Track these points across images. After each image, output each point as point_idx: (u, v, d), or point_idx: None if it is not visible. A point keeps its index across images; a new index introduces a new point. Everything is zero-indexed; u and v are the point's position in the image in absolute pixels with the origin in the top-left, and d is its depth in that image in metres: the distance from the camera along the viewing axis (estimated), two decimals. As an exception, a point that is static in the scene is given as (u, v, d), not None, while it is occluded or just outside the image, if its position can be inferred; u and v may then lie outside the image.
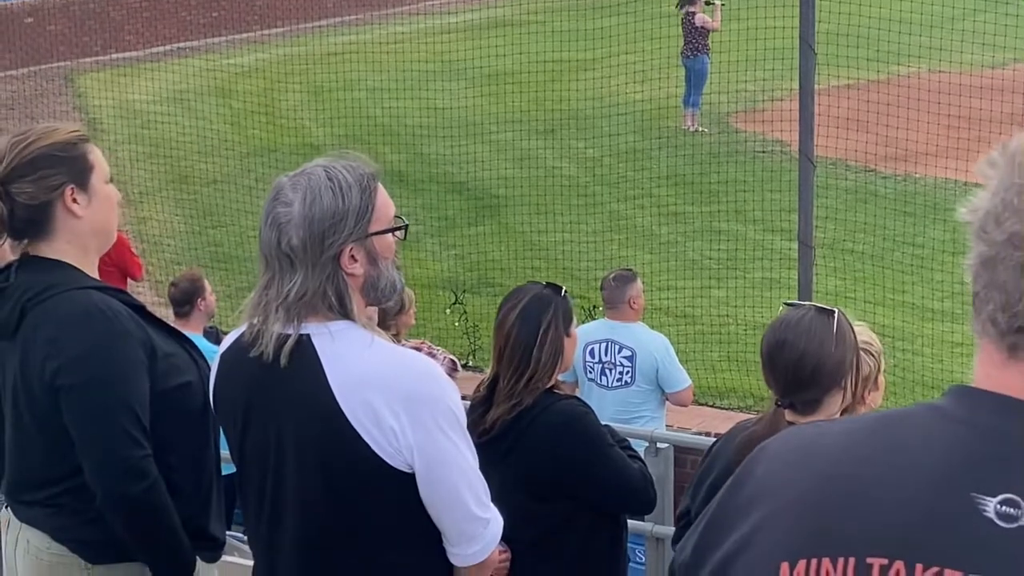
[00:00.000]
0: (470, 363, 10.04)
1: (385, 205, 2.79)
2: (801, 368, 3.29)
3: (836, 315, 3.35)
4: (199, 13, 24.17)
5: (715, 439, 7.30)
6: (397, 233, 2.82)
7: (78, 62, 22.06)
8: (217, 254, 13.67)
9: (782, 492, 1.42)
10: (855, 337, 3.39)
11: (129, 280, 9.42)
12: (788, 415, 3.36)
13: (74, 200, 3.16)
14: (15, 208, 3.12)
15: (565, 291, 4.11)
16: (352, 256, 2.73)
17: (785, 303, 3.51)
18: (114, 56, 22.52)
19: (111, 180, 3.26)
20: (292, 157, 16.42)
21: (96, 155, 3.23)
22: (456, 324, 10.98)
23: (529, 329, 3.95)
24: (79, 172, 3.17)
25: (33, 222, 3.15)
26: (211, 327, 8.06)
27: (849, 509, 1.35)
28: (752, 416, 4.34)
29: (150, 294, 11.75)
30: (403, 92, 17.23)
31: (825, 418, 3.29)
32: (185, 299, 7.47)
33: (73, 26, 22.58)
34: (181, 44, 23.13)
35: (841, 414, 3.36)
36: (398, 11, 26.22)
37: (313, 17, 25.33)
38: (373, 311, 3.96)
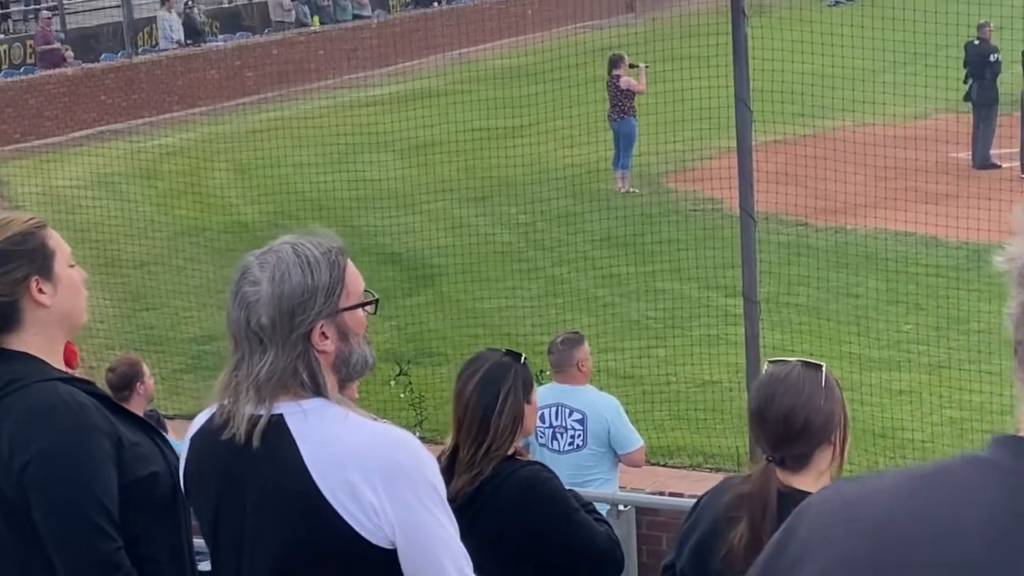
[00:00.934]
0: (417, 434, 9.88)
1: (355, 280, 2.75)
2: (791, 422, 3.27)
3: (823, 370, 3.35)
4: (119, 96, 24.10)
5: (678, 497, 7.23)
6: (367, 308, 2.78)
7: (-2, 150, 21.84)
8: (151, 337, 13.50)
9: (831, 552, 1.39)
10: (842, 393, 3.39)
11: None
12: (778, 472, 3.32)
13: (40, 291, 3.10)
14: None
15: (524, 358, 4.09)
16: (323, 333, 2.68)
17: (770, 361, 3.50)
18: (35, 143, 22.27)
19: (73, 264, 3.20)
20: (222, 236, 16.32)
21: (55, 239, 3.16)
22: (401, 396, 10.90)
23: (488, 397, 3.94)
24: (41, 261, 3.11)
25: (1, 319, 3.09)
26: (151, 411, 7.96)
27: (906, 569, 1.32)
28: (731, 474, 4.30)
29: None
30: (331, 166, 17.18)
31: (815, 475, 3.29)
32: (123, 384, 7.31)
33: (-8, 114, 22.39)
34: (102, 128, 22.95)
35: (830, 471, 3.34)
36: (320, 86, 26.23)
37: (234, 95, 25.32)
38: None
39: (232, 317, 2.69)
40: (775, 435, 3.29)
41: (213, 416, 2.77)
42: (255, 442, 2.65)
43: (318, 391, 2.67)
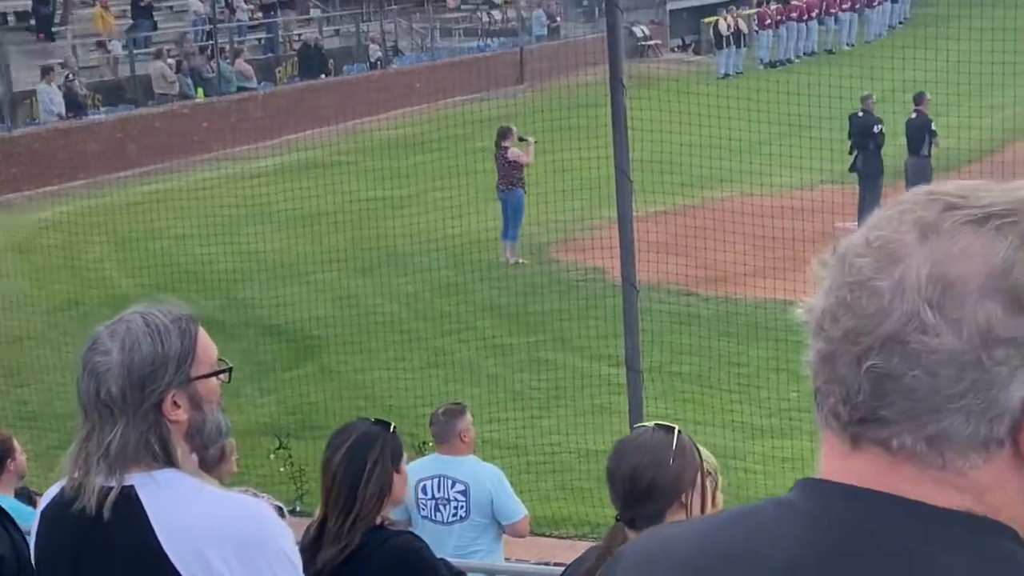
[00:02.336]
0: (298, 508, 9.77)
1: (206, 348, 2.76)
2: (637, 481, 3.34)
3: (676, 431, 3.43)
4: (-2, 169, 23.61)
5: (563, 567, 7.09)
6: (221, 376, 2.79)
7: None
8: (24, 412, 13.25)
9: None
10: (699, 456, 3.45)
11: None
12: (630, 534, 3.37)
13: None
14: None
15: (394, 427, 4.12)
16: (175, 402, 2.69)
17: (634, 426, 3.69)
18: (-94, 216, 21.73)
19: None
20: (99, 309, 15.97)
21: None
22: (281, 469, 10.77)
23: (355, 467, 3.95)
24: None
25: None
26: (23, 488, 7.82)
27: None
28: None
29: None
30: (212, 238, 16.99)
31: None
32: (-6, 461, 7.21)
33: None
34: (-24, 201, 22.49)
35: None
36: (203, 158, 25.96)
37: (116, 168, 24.95)
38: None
39: (82, 388, 2.69)
40: (623, 494, 3.39)
41: (63, 489, 2.74)
42: (106, 514, 2.62)
43: (170, 461, 2.67)
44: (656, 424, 3.48)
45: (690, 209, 16.37)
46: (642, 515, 3.34)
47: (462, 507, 7.20)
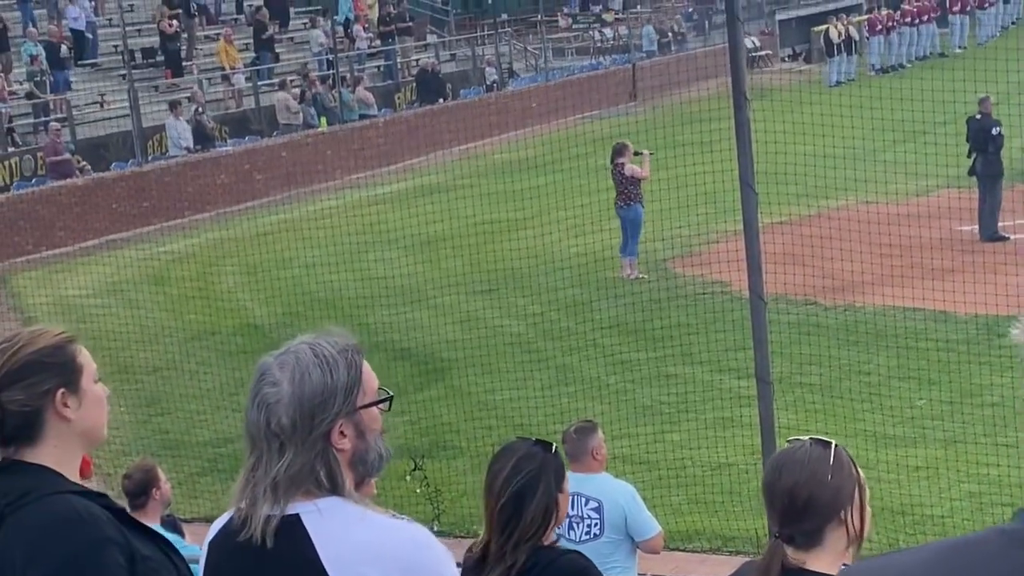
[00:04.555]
0: (435, 528, 9.89)
1: (370, 378, 2.78)
2: (795, 497, 3.27)
3: (833, 446, 3.36)
4: (129, 204, 24.20)
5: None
6: (383, 405, 2.80)
7: (10, 263, 21.83)
8: (165, 441, 13.49)
9: None
10: (857, 471, 3.37)
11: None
12: (789, 551, 3.32)
13: (65, 404, 3.11)
14: (6, 416, 3.07)
15: (555, 447, 4.08)
16: (341, 432, 2.71)
17: (787, 440, 3.50)
18: (46, 253, 22.36)
19: (98, 380, 3.22)
20: (233, 338, 16.38)
21: (84, 355, 3.18)
22: (417, 491, 10.85)
23: (519, 489, 3.93)
24: (69, 375, 3.12)
25: (23, 428, 3.09)
26: (168, 516, 7.96)
27: None
28: (750, 557, 4.30)
29: (100, 488, 11.48)
30: (339, 265, 17.30)
31: (831, 556, 3.28)
32: (140, 490, 7.33)
33: (4, 226, 22.43)
34: (112, 236, 23.08)
35: (849, 552, 3.33)
36: (328, 186, 26.42)
37: (243, 199, 25.51)
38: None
39: (251, 419, 2.71)
40: (781, 510, 3.29)
41: (231, 519, 2.78)
42: (272, 542, 2.66)
43: (335, 489, 2.69)
44: (812, 438, 3.38)
45: (809, 219, 16.33)
46: (801, 532, 3.28)
47: (596, 524, 7.14)
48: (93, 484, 11.28)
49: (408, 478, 11.04)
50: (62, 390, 3.09)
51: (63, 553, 2.99)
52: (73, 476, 3.16)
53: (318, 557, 2.64)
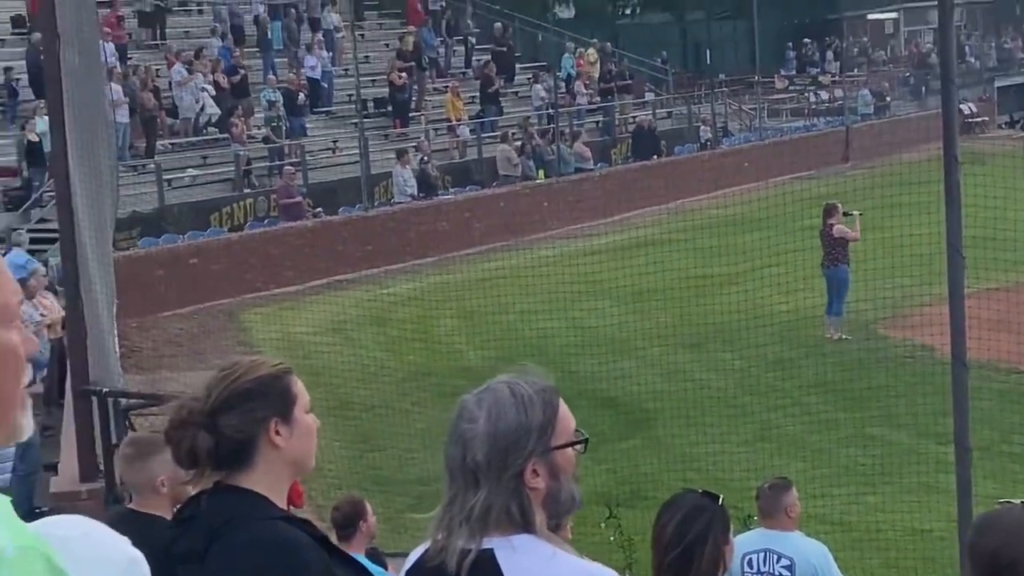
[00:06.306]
0: (627, 576, 10.10)
1: (566, 419, 2.80)
2: (998, 559, 3.23)
3: None
4: (354, 247, 24.86)
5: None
6: (577, 447, 2.83)
7: (241, 299, 22.64)
8: (376, 477, 13.89)
9: None
10: None
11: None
12: None
13: (277, 432, 3.24)
14: (221, 441, 3.21)
15: (722, 499, 4.12)
16: (535, 471, 2.74)
17: (997, 502, 3.51)
18: (275, 291, 23.15)
19: (310, 411, 3.36)
20: (449, 380, 16.81)
21: (299, 387, 3.31)
22: (612, 539, 11.00)
23: (688, 540, 3.97)
24: (283, 404, 3.25)
25: (236, 453, 3.23)
26: (372, 548, 8.23)
27: None
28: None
29: (312, 518, 12.00)
30: (552, 313, 17.62)
31: None
32: (347, 522, 7.66)
33: (235, 264, 23.31)
34: (337, 277, 23.84)
35: None
36: (544, 236, 26.94)
37: (463, 245, 26.15)
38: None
39: (449, 453, 2.78)
40: (983, 571, 3.25)
41: (427, 551, 2.84)
42: (464, 575, 2.71)
43: (527, 527, 2.71)
44: (1023, 502, 3.32)
45: (1020, 287, 16.08)
46: None
47: (787, 582, 7.12)
48: (306, 513, 11.87)
49: (603, 525, 11.23)
50: (276, 419, 3.21)
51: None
52: (280, 502, 3.28)
53: None
